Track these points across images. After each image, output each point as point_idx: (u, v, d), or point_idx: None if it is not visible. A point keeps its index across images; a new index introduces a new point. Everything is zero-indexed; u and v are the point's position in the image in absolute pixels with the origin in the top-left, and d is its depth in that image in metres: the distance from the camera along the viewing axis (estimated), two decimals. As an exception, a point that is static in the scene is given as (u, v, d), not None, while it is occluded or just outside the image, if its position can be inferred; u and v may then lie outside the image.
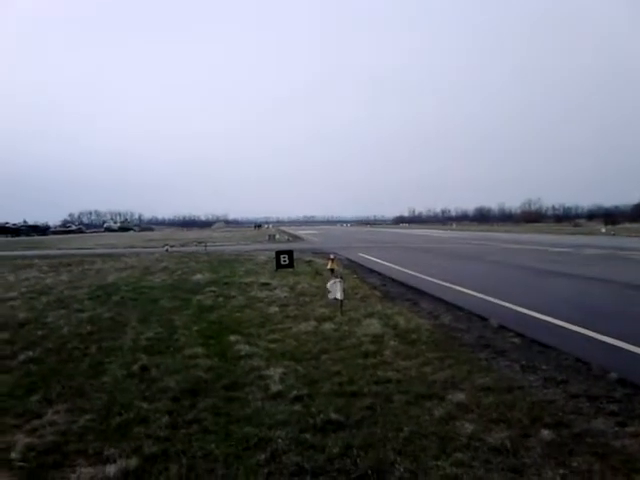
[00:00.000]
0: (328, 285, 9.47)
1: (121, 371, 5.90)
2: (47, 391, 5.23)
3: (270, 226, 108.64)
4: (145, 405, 4.78)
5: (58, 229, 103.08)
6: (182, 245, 37.16)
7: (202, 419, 4.45)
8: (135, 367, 6.00)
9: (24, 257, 26.04)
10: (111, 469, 3.53)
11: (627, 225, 78.18)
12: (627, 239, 37.93)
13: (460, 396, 4.78)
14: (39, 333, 7.97)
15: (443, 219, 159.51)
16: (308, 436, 4.04)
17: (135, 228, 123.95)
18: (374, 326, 7.84)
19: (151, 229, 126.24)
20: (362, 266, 18.76)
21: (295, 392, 5.01)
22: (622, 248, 26.16)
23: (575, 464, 3.52)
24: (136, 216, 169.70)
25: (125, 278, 15.49)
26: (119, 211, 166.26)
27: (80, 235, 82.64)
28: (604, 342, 6.90)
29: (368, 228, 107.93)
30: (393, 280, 14.33)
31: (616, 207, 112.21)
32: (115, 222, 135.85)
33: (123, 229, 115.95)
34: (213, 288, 12.67)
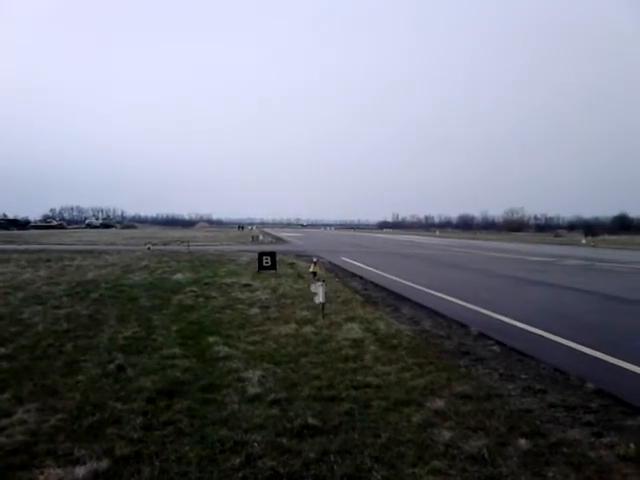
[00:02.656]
0: (313, 288, 9.43)
1: (96, 370, 5.80)
2: (18, 389, 5.12)
3: (254, 227, 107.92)
4: (119, 405, 4.69)
5: (38, 224, 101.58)
6: (164, 244, 36.86)
7: (177, 421, 4.37)
8: (111, 366, 5.91)
9: (2, 251, 25.59)
10: (80, 471, 3.45)
11: (606, 237, 79.22)
12: (606, 250, 38.44)
13: (439, 403, 4.77)
14: (13, 329, 7.81)
15: (427, 225, 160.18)
16: (284, 440, 3.99)
17: (117, 225, 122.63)
18: (355, 330, 7.81)
19: (134, 227, 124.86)
20: (345, 270, 18.75)
21: (273, 395, 4.95)
22: (601, 260, 26.51)
23: (551, 474, 3.52)
24: (119, 213, 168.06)
25: (105, 275, 15.29)
26: (101, 208, 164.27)
27: (61, 231, 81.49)
28: (582, 352, 6.95)
29: (352, 232, 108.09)
30: (375, 285, 14.34)
31: (596, 219, 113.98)
32: (97, 219, 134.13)
33: (105, 226, 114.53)
34: (194, 288, 12.55)
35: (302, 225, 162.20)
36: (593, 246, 46.92)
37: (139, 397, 4.92)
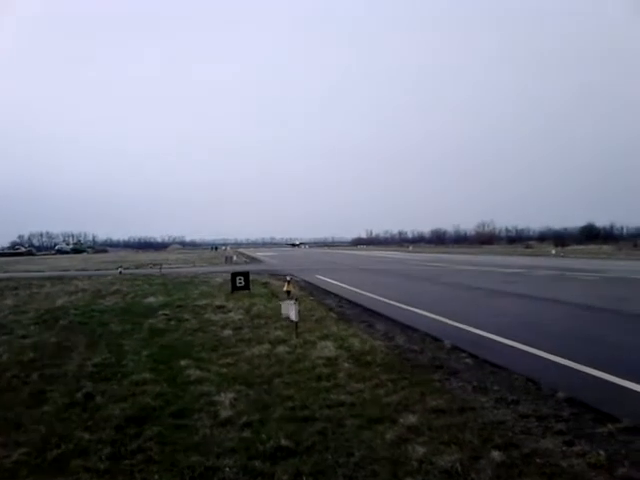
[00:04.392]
0: (283, 309, 9.38)
1: (63, 399, 5.64)
2: (-21, 423, 4.93)
3: (228, 248, 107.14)
4: (86, 435, 4.56)
5: (5, 251, 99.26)
6: (136, 267, 36.33)
7: (147, 448, 4.27)
8: (78, 395, 5.76)
9: (-33, 281, 24.85)
10: (44, 506, 3.32)
11: (575, 247, 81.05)
12: (575, 260, 39.21)
13: (412, 419, 4.75)
14: (-25, 361, 7.55)
15: (400, 241, 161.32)
16: (257, 463, 3.93)
17: (89, 250, 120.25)
18: (329, 348, 7.77)
19: (105, 251, 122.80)
20: (319, 288, 18.73)
21: (245, 418, 4.88)
22: (571, 269, 27.01)
23: (524, 485, 3.52)
24: (90, 238, 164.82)
25: (75, 302, 14.98)
26: (72, 233, 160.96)
27: (30, 257, 79.64)
28: (553, 362, 7.03)
29: (326, 250, 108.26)
30: (349, 302, 14.34)
31: (565, 229, 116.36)
32: (68, 244, 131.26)
33: (76, 251, 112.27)
34: (166, 311, 12.38)
35: (293, 244, 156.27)
36: (562, 256, 47.83)
37: (107, 426, 4.80)
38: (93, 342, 8.86)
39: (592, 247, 76.08)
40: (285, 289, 14.38)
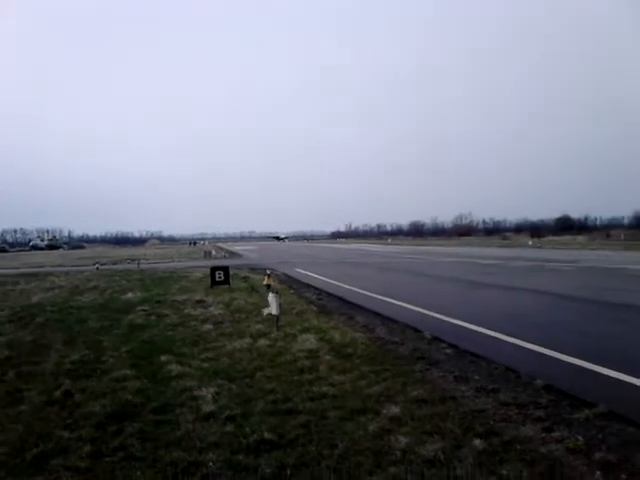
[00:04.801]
0: (264, 311, 9.40)
1: (41, 398, 5.54)
2: (-45, 424, 4.82)
3: (206, 243, 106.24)
4: (66, 434, 4.49)
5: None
6: (114, 263, 35.86)
7: (128, 445, 4.22)
8: (57, 393, 5.65)
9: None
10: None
11: (551, 238, 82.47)
12: (551, 251, 39.90)
13: (395, 409, 4.78)
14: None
15: (379, 233, 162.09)
16: (240, 457, 3.91)
17: (64, 246, 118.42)
18: (310, 341, 7.78)
19: (82, 247, 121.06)
20: (299, 281, 18.72)
21: (228, 412, 4.86)
22: (547, 260, 27.45)
23: (505, 472, 3.57)
24: (65, 233, 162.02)
25: (51, 298, 14.73)
26: (47, 229, 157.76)
27: (3, 255, 78.04)
28: (532, 350, 7.14)
29: (306, 243, 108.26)
30: (330, 294, 14.36)
31: (541, 221, 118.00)
32: (43, 240, 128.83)
33: (51, 247, 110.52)
34: (145, 307, 12.24)
35: (278, 238, 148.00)
36: (539, 247, 48.62)
37: (87, 423, 4.73)
38: (71, 339, 8.72)
39: (567, 238, 77.53)
40: (265, 283, 14.39)
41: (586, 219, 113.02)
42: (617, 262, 24.84)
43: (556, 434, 4.20)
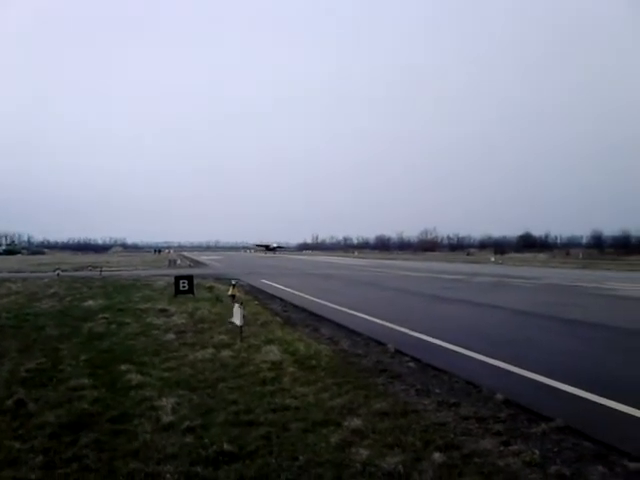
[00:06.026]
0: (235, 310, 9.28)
1: (-9, 407, 5.34)
2: None
3: (171, 251, 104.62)
4: (17, 444, 4.34)
5: None
6: (75, 270, 35.01)
7: (83, 456, 4.11)
8: (9, 402, 5.47)
9: None
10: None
11: (513, 254, 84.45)
12: (512, 268, 40.81)
13: (356, 422, 4.78)
14: None
15: (345, 246, 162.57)
16: (199, 469, 3.86)
17: (24, 251, 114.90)
18: (274, 352, 7.73)
19: (42, 252, 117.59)
20: (264, 292, 18.63)
21: (188, 423, 4.78)
22: (508, 276, 28.06)
23: (464, 485, 3.61)
24: (25, 238, 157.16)
25: (7, 305, 14.28)
26: (6, 233, 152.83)
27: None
28: (492, 365, 7.26)
29: (272, 254, 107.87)
30: (295, 306, 14.33)
31: (504, 237, 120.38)
32: (0, 245, 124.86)
33: (9, 252, 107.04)
34: (106, 315, 11.97)
35: (267, 248, 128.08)
36: (501, 263, 49.70)
37: (40, 434, 4.59)
38: (27, 346, 8.47)
39: (528, 255, 79.33)
40: (230, 293, 14.24)
41: (547, 237, 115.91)
42: (574, 280, 25.53)
43: (514, 447, 4.27)
